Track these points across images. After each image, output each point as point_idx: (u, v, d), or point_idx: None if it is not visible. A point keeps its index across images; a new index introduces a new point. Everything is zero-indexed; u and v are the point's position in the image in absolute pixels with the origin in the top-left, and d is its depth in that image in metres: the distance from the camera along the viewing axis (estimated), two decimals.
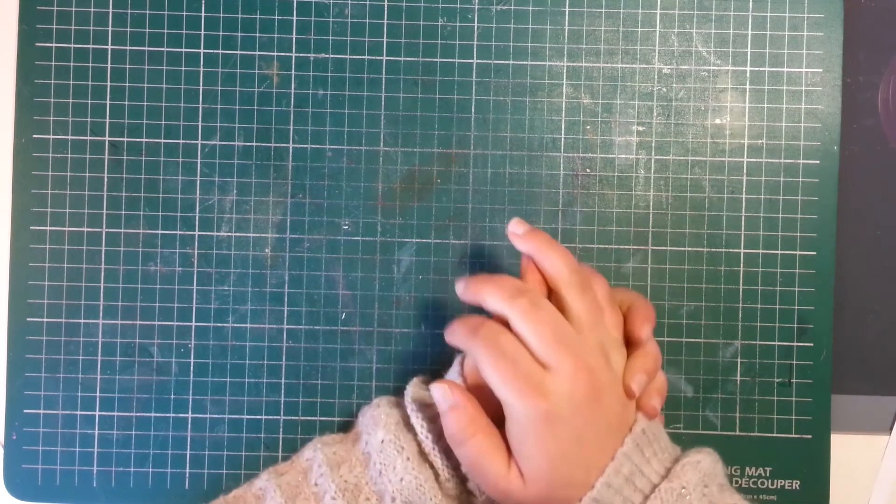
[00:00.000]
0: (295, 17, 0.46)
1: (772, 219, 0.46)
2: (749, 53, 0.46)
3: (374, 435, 0.39)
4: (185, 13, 0.46)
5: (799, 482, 0.46)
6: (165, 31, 0.46)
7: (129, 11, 0.46)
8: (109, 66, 0.46)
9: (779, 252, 0.46)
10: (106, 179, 0.46)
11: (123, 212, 0.46)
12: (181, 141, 0.46)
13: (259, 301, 0.46)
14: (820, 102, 0.46)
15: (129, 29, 0.46)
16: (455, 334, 0.37)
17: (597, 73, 0.46)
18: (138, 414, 0.46)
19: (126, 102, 0.46)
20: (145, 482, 0.46)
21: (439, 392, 0.36)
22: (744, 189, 0.46)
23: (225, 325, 0.46)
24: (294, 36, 0.46)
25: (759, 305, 0.46)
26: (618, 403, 0.36)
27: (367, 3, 0.46)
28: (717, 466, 0.37)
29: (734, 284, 0.46)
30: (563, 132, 0.46)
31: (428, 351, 0.46)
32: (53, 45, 0.46)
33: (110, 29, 0.46)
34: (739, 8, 0.46)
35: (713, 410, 0.46)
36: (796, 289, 0.46)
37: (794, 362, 0.46)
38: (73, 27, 0.46)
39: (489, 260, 0.46)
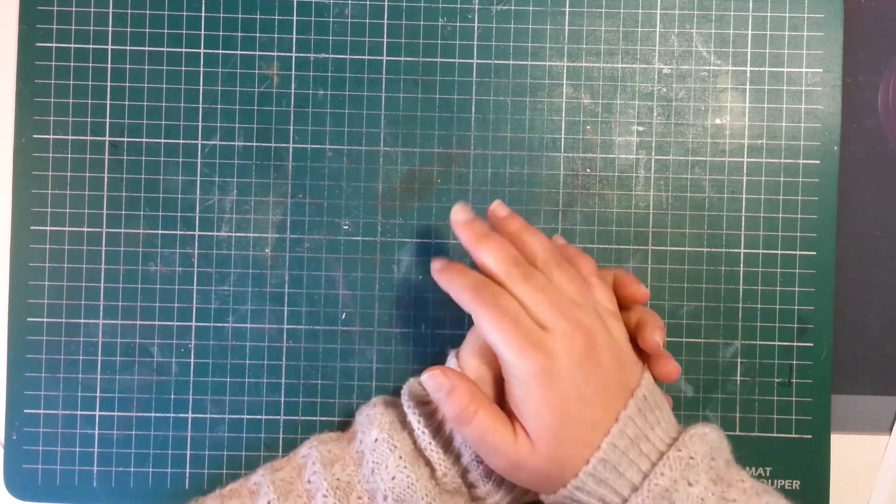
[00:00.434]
0: (295, 17, 0.46)
1: (772, 219, 0.46)
2: (749, 53, 0.46)
3: (369, 434, 0.39)
4: (185, 13, 0.46)
5: (799, 482, 0.46)
6: (165, 31, 0.46)
7: (129, 11, 0.46)
8: (109, 66, 0.46)
9: (779, 252, 0.46)
10: (106, 179, 0.46)
11: (124, 212, 0.46)
12: (181, 141, 0.46)
13: (259, 301, 0.46)
14: (820, 102, 0.46)
15: (129, 29, 0.46)
16: (456, 289, 0.38)
17: (597, 73, 0.46)
18: (138, 414, 0.46)
19: (126, 102, 0.46)
20: (145, 482, 0.46)
21: (433, 380, 0.36)
22: (744, 189, 0.46)
23: (225, 325, 0.46)
24: (294, 36, 0.46)
25: (759, 305, 0.46)
26: (617, 365, 0.37)
27: (368, 3, 0.46)
28: (724, 442, 0.37)
29: (734, 284, 0.46)
30: (563, 132, 0.46)
31: (428, 351, 0.46)
32: (53, 45, 0.46)
33: (110, 29, 0.46)
34: (739, 8, 0.46)
35: (713, 410, 0.46)
36: (796, 289, 0.46)
37: (794, 362, 0.46)
38: (73, 27, 0.46)
39: None
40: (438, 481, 0.38)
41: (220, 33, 0.46)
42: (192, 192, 0.46)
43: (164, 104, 0.46)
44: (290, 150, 0.46)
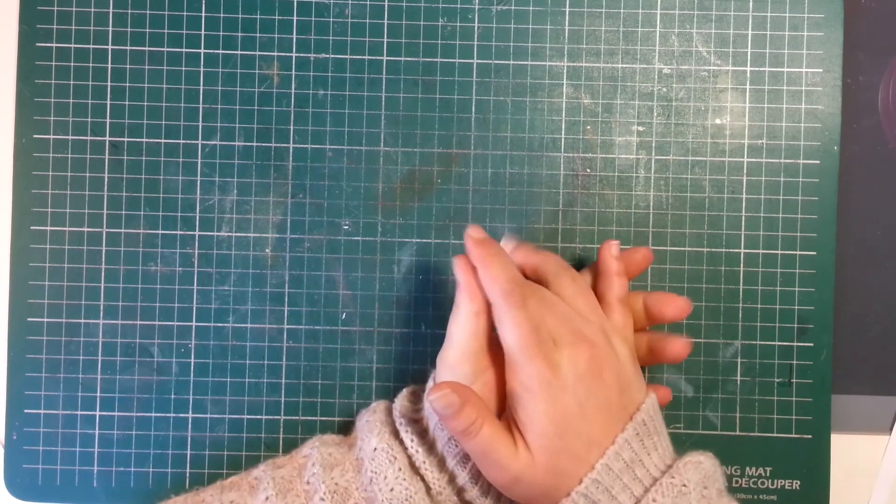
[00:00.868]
0: (295, 17, 0.46)
1: (772, 219, 0.46)
2: (749, 53, 0.46)
3: (368, 442, 0.39)
4: (185, 13, 0.46)
5: (799, 482, 0.46)
6: (166, 31, 0.46)
7: (129, 11, 0.46)
8: (110, 66, 0.46)
9: (779, 252, 0.46)
10: (106, 179, 0.46)
11: (124, 212, 0.46)
12: (181, 141, 0.46)
13: (259, 301, 0.46)
14: (820, 102, 0.46)
15: (129, 29, 0.46)
16: (489, 274, 0.37)
17: (597, 73, 0.46)
18: (139, 414, 0.46)
19: (126, 102, 0.46)
20: (146, 482, 0.46)
21: (444, 399, 0.36)
22: (744, 189, 0.46)
23: (225, 325, 0.46)
24: (294, 36, 0.46)
25: (759, 305, 0.46)
26: (618, 385, 0.37)
27: (368, 3, 0.46)
28: (718, 472, 0.37)
29: (734, 284, 0.46)
30: (563, 132, 0.46)
31: (428, 351, 0.46)
32: (54, 45, 0.46)
33: (110, 29, 0.46)
34: (739, 8, 0.46)
35: (713, 410, 0.46)
36: (796, 289, 0.46)
37: (794, 362, 0.46)
38: (73, 27, 0.46)
39: None
40: (433, 499, 0.38)
41: (221, 33, 0.46)
42: (192, 192, 0.46)
43: (164, 104, 0.46)
44: (291, 150, 0.46)
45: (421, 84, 0.46)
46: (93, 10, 0.46)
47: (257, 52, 0.46)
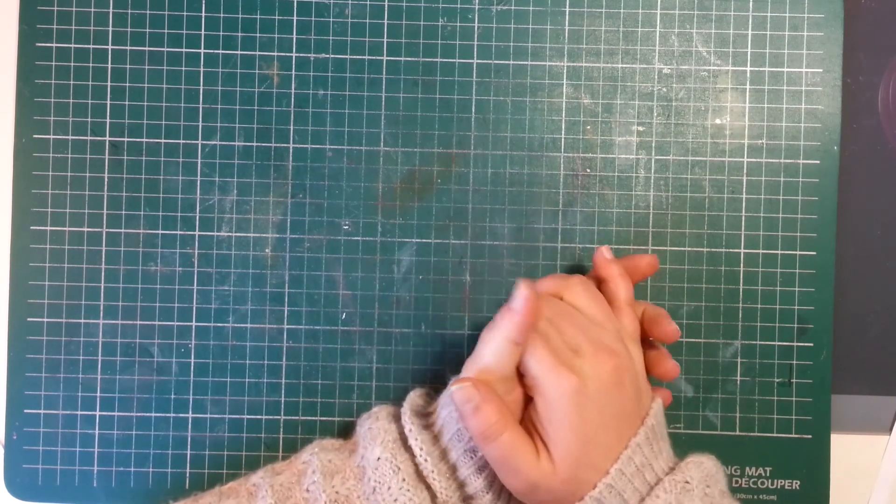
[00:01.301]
0: (295, 17, 0.46)
1: (772, 219, 0.46)
2: (749, 53, 0.46)
3: (371, 450, 0.39)
4: (185, 13, 0.46)
5: (799, 482, 0.46)
6: (166, 31, 0.46)
7: (129, 11, 0.46)
8: (110, 66, 0.46)
9: (779, 252, 0.46)
10: (106, 179, 0.46)
11: (124, 212, 0.46)
12: (181, 141, 0.46)
13: (259, 301, 0.46)
14: (820, 102, 0.46)
15: (129, 29, 0.46)
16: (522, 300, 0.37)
17: (597, 73, 0.46)
18: (139, 414, 0.46)
19: (126, 102, 0.46)
20: (145, 482, 0.46)
21: (464, 392, 0.36)
22: (744, 189, 0.46)
23: (225, 325, 0.46)
24: (294, 36, 0.46)
25: (759, 305, 0.46)
26: (635, 391, 0.37)
27: (368, 3, 0.46)
28: (720, 473, 0.38)
29: (734, 284, 0.46)
30: (563, 132, 0.46)
31: (428, 351, 0.46)
32: (54, 45, 0.46)
33: (110, 29, 0.46)
34: (739, 8, 0.46)
35: (713, 410, 0.46)
36: (796, 289, 0.46)
37: (794, 362, 0.46)
38: (73, 27, 0.46)
39: (489, 260, 0.46)
40: None
41: (221, 33, 0.46)
42: (192, 192, 0.46)
43: (164, 104, 0.46)
44: (291, 150, 0.46)
45: (421, 84, 0.46)
46: (93, 10, 0.46)
47: (257, 52, 0.46)
